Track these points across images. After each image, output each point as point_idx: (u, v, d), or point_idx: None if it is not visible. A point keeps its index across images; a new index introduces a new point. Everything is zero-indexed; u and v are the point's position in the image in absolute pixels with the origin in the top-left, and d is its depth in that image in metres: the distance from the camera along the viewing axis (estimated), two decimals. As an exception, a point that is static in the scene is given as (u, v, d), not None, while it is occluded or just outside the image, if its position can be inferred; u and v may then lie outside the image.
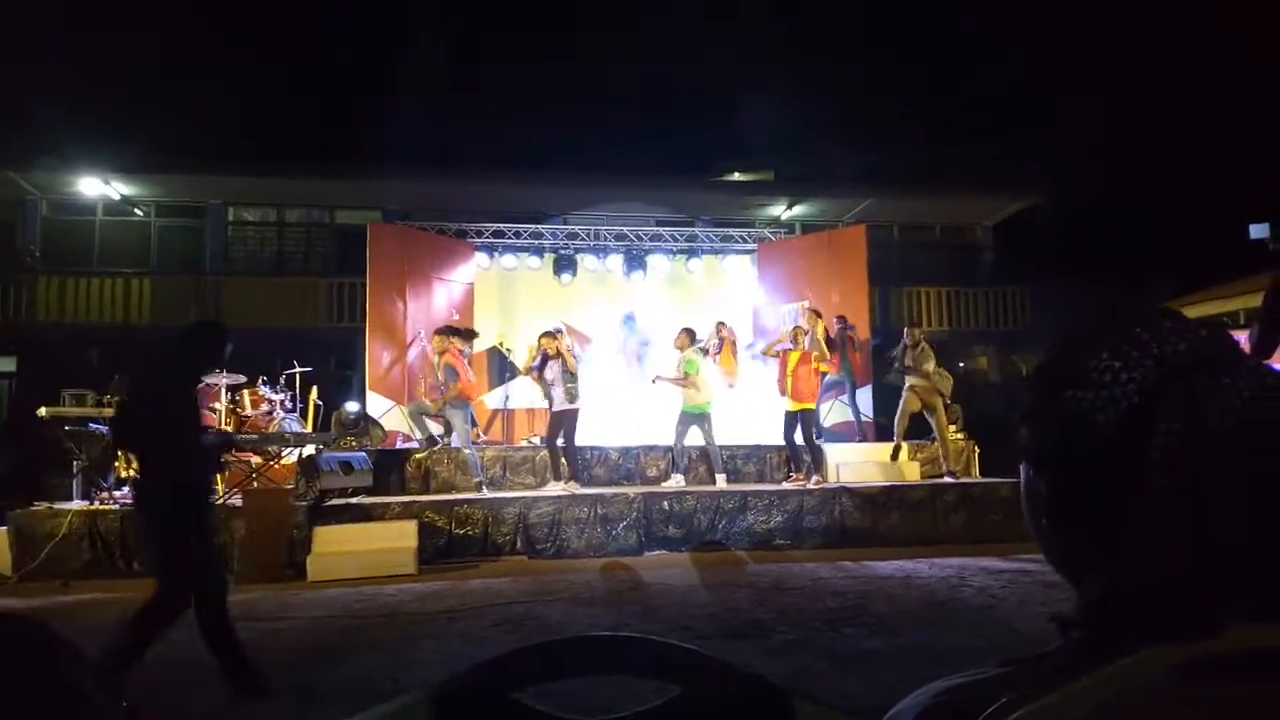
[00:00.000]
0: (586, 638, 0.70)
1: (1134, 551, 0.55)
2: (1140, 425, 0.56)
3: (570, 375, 9.37)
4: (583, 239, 14.86)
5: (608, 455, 10.66)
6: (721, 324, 11.98)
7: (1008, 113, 22.13)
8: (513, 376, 13.94)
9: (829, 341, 11.07)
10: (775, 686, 0.67)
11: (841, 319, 12.27)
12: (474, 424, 11.06)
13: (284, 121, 20.76)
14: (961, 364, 17.95)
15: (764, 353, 11.42)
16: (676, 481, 9.81)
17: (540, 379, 9.83)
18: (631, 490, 9.35)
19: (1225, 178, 18.45)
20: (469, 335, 11.08)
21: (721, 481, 9.84)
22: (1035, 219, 18.24)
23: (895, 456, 10.36)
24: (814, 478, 9.86)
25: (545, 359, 9.60)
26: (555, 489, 9.40)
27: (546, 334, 9.69)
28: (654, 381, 10.26)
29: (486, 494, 9.24)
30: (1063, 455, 0.62)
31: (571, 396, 9.36)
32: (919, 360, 9.94)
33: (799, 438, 9.96)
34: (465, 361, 10.03)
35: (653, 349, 12.72)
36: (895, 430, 10.27)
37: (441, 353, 9.74)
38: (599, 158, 17.45)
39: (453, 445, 10.15)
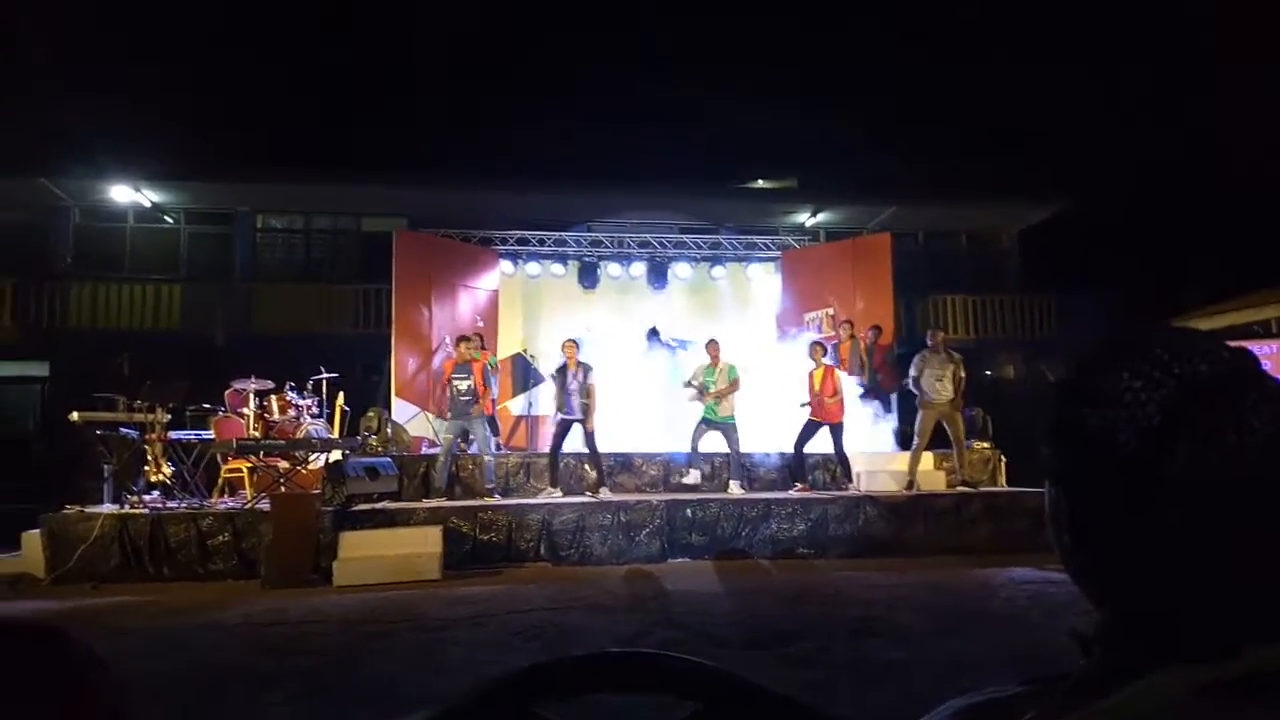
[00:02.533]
0: (605, 653, 0.71)
1: (1154, 572, 0.55)
2: (1161, 445, 0.56)
3: (585, 388, 9.50)
4: (606, 246, 14.89)
5: (631, 461, 10.64)
6: (848, 322, 12.23)
7: (1035, 118, 21.94)
8: (537, 383, 13.99)
9: (868, 351, 11.39)
10: (800, 705, 0.67)
11: (875, 328, 12.23)
12: (496, 432, 11.06)
13: (312, 129, 20.99)
14: (989, 372, 17.80)
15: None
16: (695, 476, 9.89)
17: (562, 388, 9.86)
18: (655, 497, 9.33)
19: (1259, 181, 18.16)
20: (483, 346, 11.15)
21: (735, 488, 9.82)
22: (1063, 226, 18.06)
23: (910, 488, 9.94)
24: (848, 486, 9.91)
25: (564, 367, 9.71)
26: (553, 496, 9.46)
27: (569, 342, 9.79)
28: (700, 394, 10.01)
29: (498, 499, 9.28)
30: (1084, 474, 0.61)
31: (586, 407, 9.52)
32: (942, 369, 9.72)
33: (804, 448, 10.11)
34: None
35: (680, 356, 12.68)
36: (910, 464, 10.02)
37: (470, 360, 9.75)
38: (623, 165, 17.45)
39: (472, 451, 10.18)
